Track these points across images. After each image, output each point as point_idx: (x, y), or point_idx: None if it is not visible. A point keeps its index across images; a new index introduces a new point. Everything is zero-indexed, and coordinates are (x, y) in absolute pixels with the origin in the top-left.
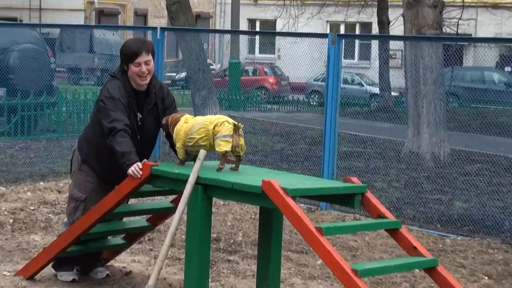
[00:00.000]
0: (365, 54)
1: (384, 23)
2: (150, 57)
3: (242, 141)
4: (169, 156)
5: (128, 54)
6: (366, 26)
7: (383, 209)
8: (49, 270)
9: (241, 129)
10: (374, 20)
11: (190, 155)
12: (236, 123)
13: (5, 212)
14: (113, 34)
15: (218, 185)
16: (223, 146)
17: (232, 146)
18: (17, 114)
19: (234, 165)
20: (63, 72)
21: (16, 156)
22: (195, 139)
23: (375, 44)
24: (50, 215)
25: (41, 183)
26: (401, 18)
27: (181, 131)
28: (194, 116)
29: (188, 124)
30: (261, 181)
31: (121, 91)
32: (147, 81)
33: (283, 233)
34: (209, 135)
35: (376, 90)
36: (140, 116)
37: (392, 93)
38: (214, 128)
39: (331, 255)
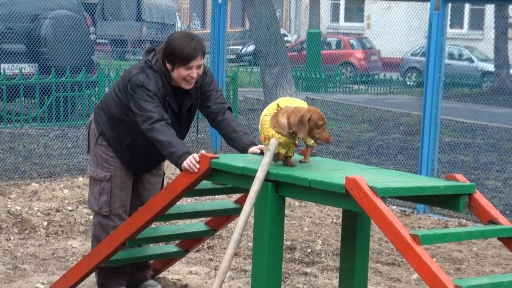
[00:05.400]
0: (477, 23)
1: None
2: (203, 60)
3: None
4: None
5: (181, 56)
6: None
7: (495, 213)
8: (89, 282)
9: None
10: None
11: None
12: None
13: (38, 213)
14: None
15: (292, 182)
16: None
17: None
18: (51, 96)
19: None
20: (105, 45)
21: (51, 146)
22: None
23: (490, 9)
24: (90, 216)
25: (80, 178)
26: None
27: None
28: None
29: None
30: (344, 178)
31: (158, 86)
32: (192, 86)
33: (371, 241)
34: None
35: (490, 67)
36: (177, 112)
37: (511, 71)
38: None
39: (430, 268)
